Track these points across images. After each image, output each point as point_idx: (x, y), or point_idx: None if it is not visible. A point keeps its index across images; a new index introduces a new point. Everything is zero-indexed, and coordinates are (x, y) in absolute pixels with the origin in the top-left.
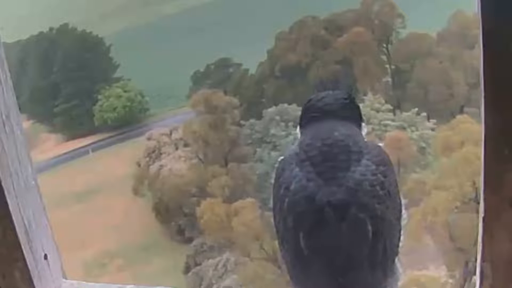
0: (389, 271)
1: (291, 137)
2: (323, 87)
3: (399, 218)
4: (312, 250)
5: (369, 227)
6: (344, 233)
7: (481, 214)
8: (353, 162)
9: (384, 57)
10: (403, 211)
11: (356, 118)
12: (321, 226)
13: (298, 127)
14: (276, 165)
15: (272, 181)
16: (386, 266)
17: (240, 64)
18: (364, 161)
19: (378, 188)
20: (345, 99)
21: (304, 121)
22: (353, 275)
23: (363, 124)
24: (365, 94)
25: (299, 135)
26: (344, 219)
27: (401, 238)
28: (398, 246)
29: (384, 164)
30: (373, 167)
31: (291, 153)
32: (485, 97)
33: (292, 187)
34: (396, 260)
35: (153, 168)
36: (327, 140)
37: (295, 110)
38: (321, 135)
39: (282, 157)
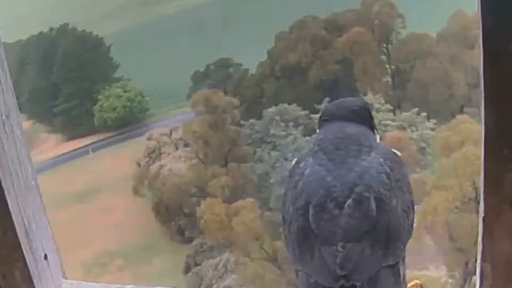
0: (390, 256)
1: (291, 137)
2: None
3: (407, 212)
4: (318, 223)
5: (373, 206)
6: (349, 208)
7: (481, 214)
8: (364, 152)
9: (384, 57)
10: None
11: (369, 123)
12: (329, 201)
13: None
14: (292, 164)
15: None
16: (388, 251)
17: (240, 64)
18: (373, 154)
19: (384, 176)
20: (361, 104)
21: (319, 125)
22: (351, 246)
23: (375, 131)
24: (365, 94)
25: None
26: (350, 197)
27: (409, 237)
28: (403, 237)
29: (392, 161)
30: (381, 159)
31: (306, 152)
32: (485, 97)
33: (306, 171)
34: (402, 262)
35: (153, 168)
36: (339, 134)
37: (295, 110)
38: (334, 131)
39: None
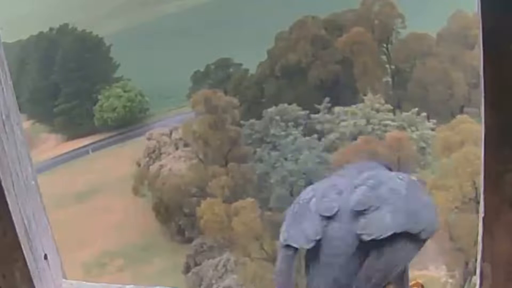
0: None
1: (291, 137)
2: None
3: None
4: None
5: None
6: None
7: (481, 214)
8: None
9: (384, 57)
10: None
11: None
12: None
13: None
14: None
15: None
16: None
17: (240, 64)
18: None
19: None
20: None
21: None
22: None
23: None
24: (365, 94)
25: None
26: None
27: None
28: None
29: None
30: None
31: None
32: (485, 97)
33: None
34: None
35: (153, 168)
36: None
37: (295, 110)
38: None
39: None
